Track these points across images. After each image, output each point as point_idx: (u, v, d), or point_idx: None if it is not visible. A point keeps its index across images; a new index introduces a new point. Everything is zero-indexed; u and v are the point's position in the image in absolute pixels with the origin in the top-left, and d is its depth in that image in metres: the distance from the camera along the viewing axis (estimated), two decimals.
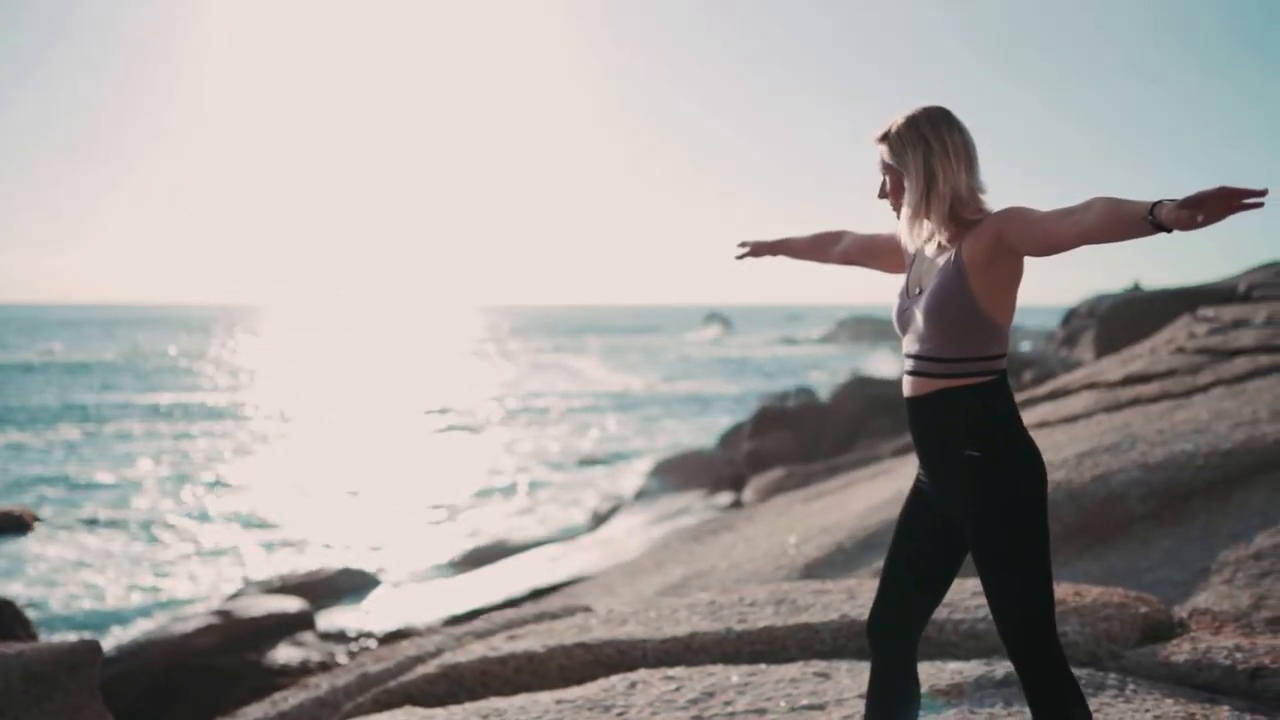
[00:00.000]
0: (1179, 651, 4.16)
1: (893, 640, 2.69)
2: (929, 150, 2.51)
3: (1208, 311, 12.24)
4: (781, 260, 3.28)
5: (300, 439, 36.68)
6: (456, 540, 20.48)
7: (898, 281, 2.76)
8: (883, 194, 2.67)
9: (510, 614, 5.14)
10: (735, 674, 3.91)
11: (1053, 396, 10.70)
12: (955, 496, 2.54)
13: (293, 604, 13.66)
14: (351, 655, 12.30)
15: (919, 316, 2.55)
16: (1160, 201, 2.05)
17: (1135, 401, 9.03)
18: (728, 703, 3.67)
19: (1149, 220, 2.06)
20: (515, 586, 14.86)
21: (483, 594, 14.82)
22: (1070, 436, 8.23)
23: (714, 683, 3.83)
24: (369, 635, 13.15)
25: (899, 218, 2.64)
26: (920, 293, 2.58)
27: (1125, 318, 15.29)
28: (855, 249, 3.00)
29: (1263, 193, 1.94)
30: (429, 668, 4.27)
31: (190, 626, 12.37)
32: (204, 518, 23.36)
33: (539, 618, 4.96)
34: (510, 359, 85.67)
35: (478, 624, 5.00)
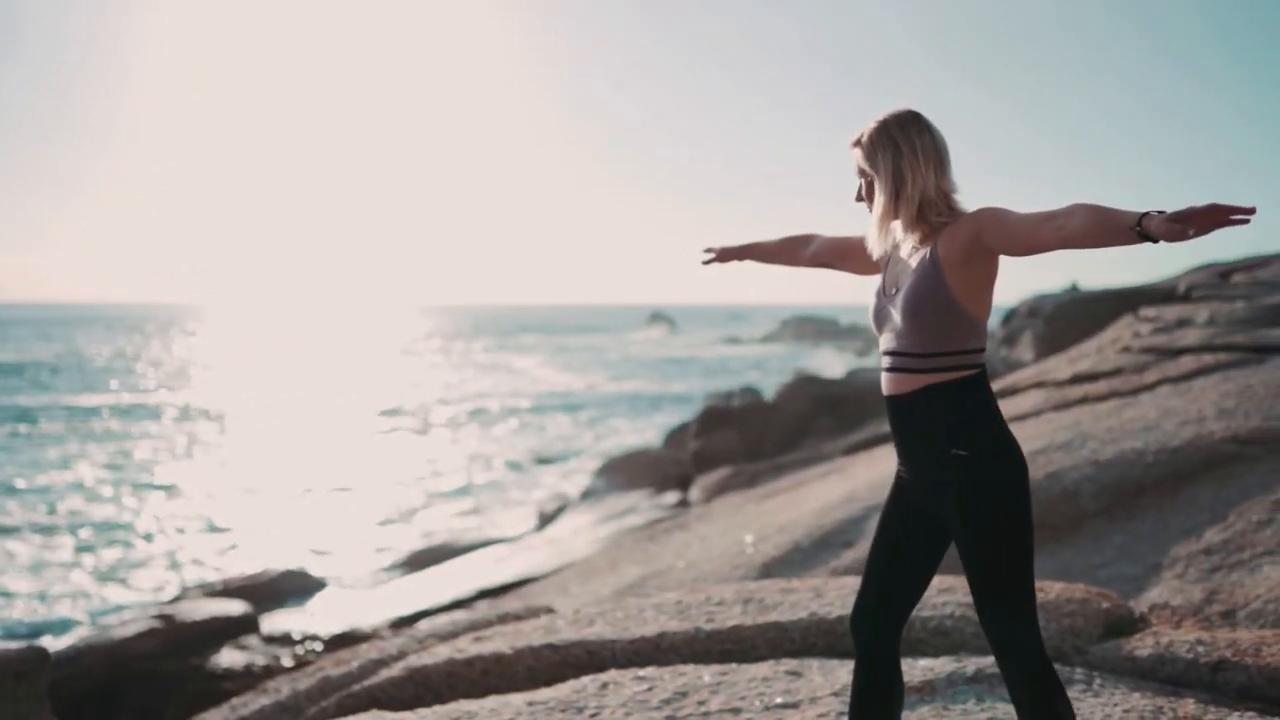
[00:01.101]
0: (1142, 646, 4.21)
1: (876, 636, 2.68)
2: (898, 153, 2.54)
3: (1149, 311, 12.47)
4: (748, 264, 3.28)
5: (241, 440, 36.11)
6: (402, 541, 20.28)
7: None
8: (859, 198, 2.70)
9: (473, 615, 5.07)
10: (707, 673, 3.88)
11: (1001, 395, 10.83)
12: (942, 494, 2.54)
13: (236, 607, 13.44)
14: (297, 658, 12.13)
15: (897, 314, 2.57)
16: (1148, 213, 2.08)
17: (1084, 400, 9.16)
18: (701, 702, 3.64)
19: (1136, 230, 2.09)
20: (462, 587, 14.75)
21: (429, 595, 14.70)
22: (1022, 435, 8.30)
23: (686, 682, 3.80)
24: (315, 638, 12.94)
25: (871, 218, 2.66)
26: (897, 292, 2.60)
27: (1069, 317, 15.56)
28: (826, 251, 3.03)
29: (1251, 210, 1.98)
30: (394, 670, 4.19)
31: (130, 631, 12.10)
32: (142, 520, 22.88)
33: (503, 619, 4.90)
34: (454, 359, 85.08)
35: (440, 625, 4.92)
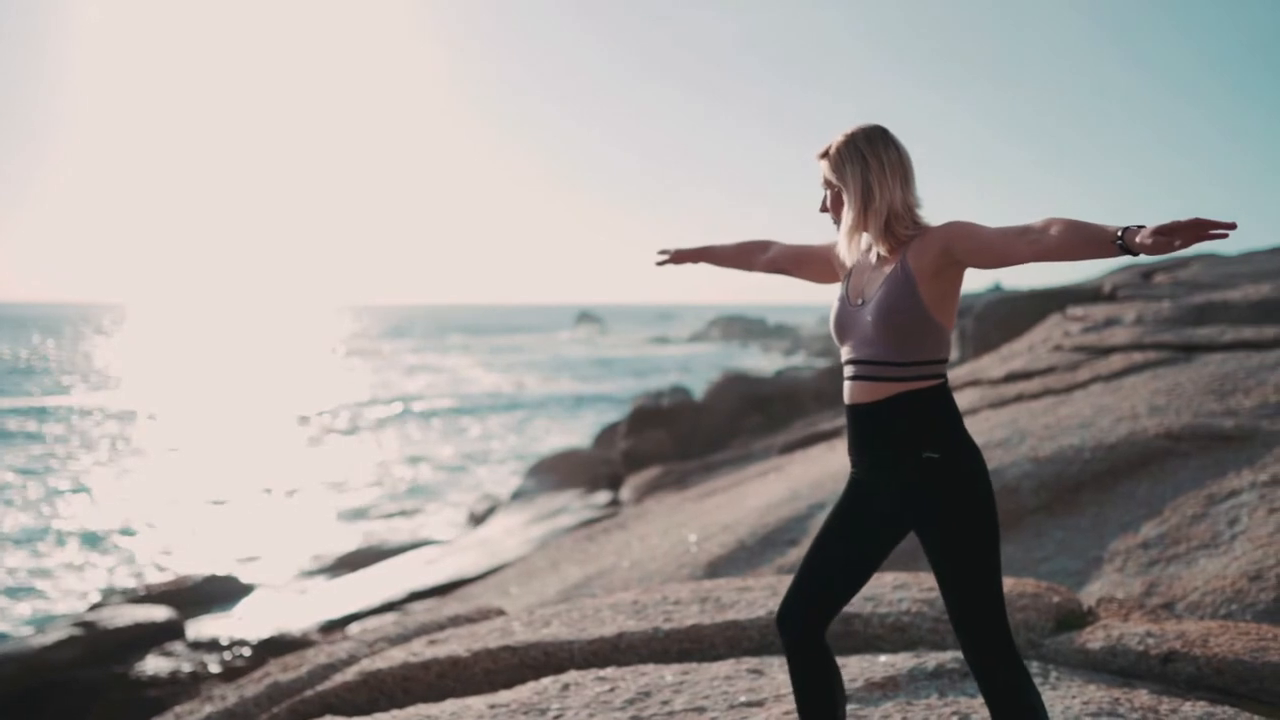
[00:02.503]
0: (1094, 639, 4.26)
1: (806, 631, 2.67)
2: (866, 167, 2.60)
3: (1077, 311, 12.72)
4: (702, 266, 3.31)
5: (162, 443, 35.22)
6: (330, 544, 19.95)
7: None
8: (824, 208, 2.75)
9: (423, 619, 4.97)
10: (669, 673, 3.84)
11: None
12: (910, 499, 2.57)
13: (159, 613, 13.15)
14: (225, 664, 11.90)
15: (868, 324, 2.60)
16: (1129, 227, 2.13)
17: (1019, 398, 9.31)
18: (665, 702, 3.61)
19: (1117, 243, 2.15)
20: (393, 590, 14.60)
21: (359, 598, 14.53)
22: None
23: (648, 682, 3.76)
24: (242, 643, 12.67)
25: (839, 231, 2.71)
26: (863, 302, 2.64)
27: (997, 316, 15.86)
28: (784, 259, 3.08)
29: (1232, 225, 2.03)
30: (347, 675, 4.08)
31: (49, 639, 11.75)
32: (59, 526, 22.18)
33: (455, 621, 4.81)
34: (382, 359, 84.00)
35: (389, 629, 4.81)
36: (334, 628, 13.60)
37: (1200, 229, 2.04)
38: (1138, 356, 9.37)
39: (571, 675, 3.83)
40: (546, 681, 3.78)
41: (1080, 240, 2.23)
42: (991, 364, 11.50)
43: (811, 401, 25.82)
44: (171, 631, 12.65)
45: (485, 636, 4.23)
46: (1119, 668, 4.13)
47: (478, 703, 3.64)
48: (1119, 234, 2.14)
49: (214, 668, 11.82)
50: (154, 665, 11.87)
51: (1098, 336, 10.47)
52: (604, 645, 4.10)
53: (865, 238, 2.66)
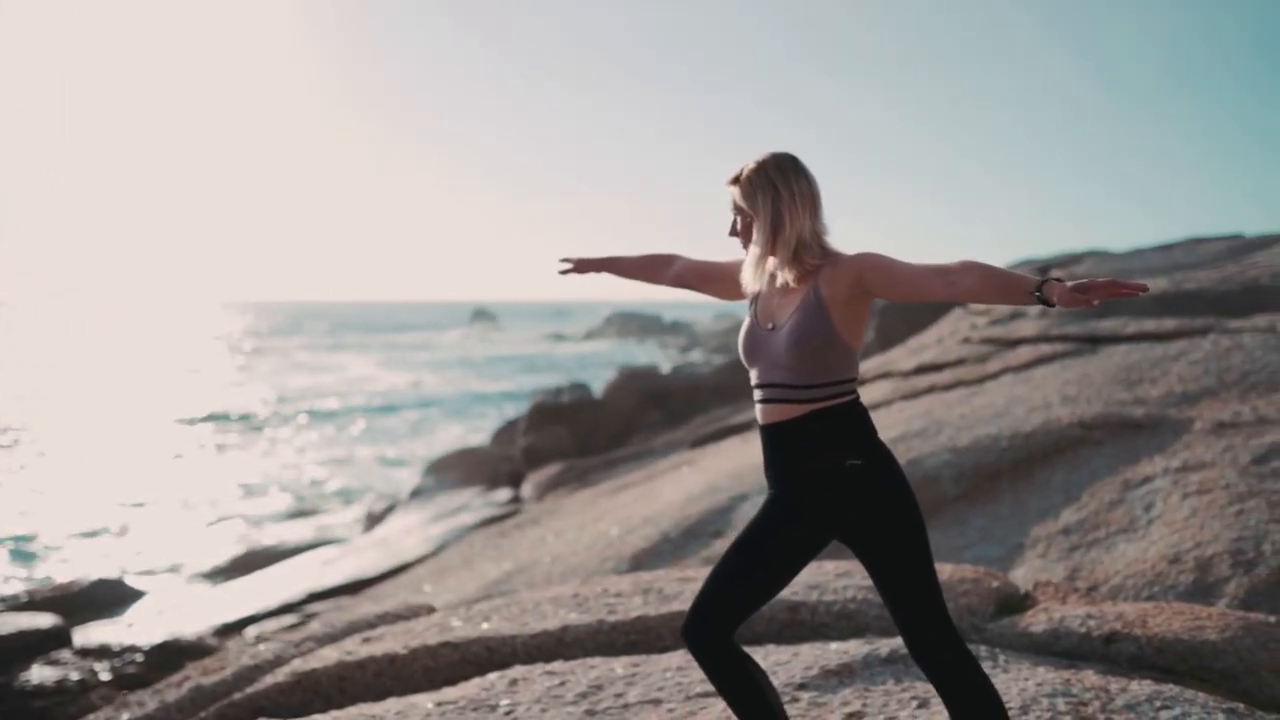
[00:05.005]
0: (1036, 622, 4.29)
1: (711, 639, 2.68)
2: (777, 196, 2.65)
3: (978, 305, 12.97)
4: (603, 273, 3.31)
5: (45, 444, 33.68)
6: (223, 546, 19.30)
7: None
8: (733, 232, 2.79)
9: (350, 617, 4.77)
10: (618, 665, 3.73)
11: None
12: (837, 509, 2.60)
13: (44, 620, 12.52)
14: (115, 672, 11.40)
15: (781, 349, 2.64)
16: (1047, 280, 2.30)
17: (931, 389, 9.43)
18: (619, 695, 3.50)
19: (1035, 295, 2.30)
20: (290, 591, 14.22)
21: (255, 601, 14.12)
22: (878, 424, 8.49)
23: (599, 675, 3.65)
24: (134, 649, 12.14)
25: (747, 256, 2.76)
26: (774, 327, 2.68)
27: (899, 311, 16.11)
28: (690, 274, 3.12)
29: (1144, 288, 2.19)
30: (278, 676, 3.87)
31: None
32: None
33: (384, 619, 4.61)
34: (272, 358, 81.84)
35: (314, 627, 4.59)
36: (230, 631, 13.19)
37: (1114, 288, 2.21)
38: (1045, 348, 9.57)
39: (518, 670, 3.70)
40: (493, 677, 3.64)
41: (997, 287, 2.37)
42: (901, 356, 11.64)
43: (711, 397, 25.95)
44: (58, 639, 12.06)
45: (423, 633, 4.06)
46: (1062, 649, 4.17)
47: (423, 701, 3.48)
48: (1038, 287, 2.29)
49: (104, 675, 11.33)
50: (39, 674, 11.31)
51: (1004, 329, 10.68)
52: (548, 639, 3.97)
53: (772, 263, 2.70)
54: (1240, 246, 14.90)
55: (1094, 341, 9.71)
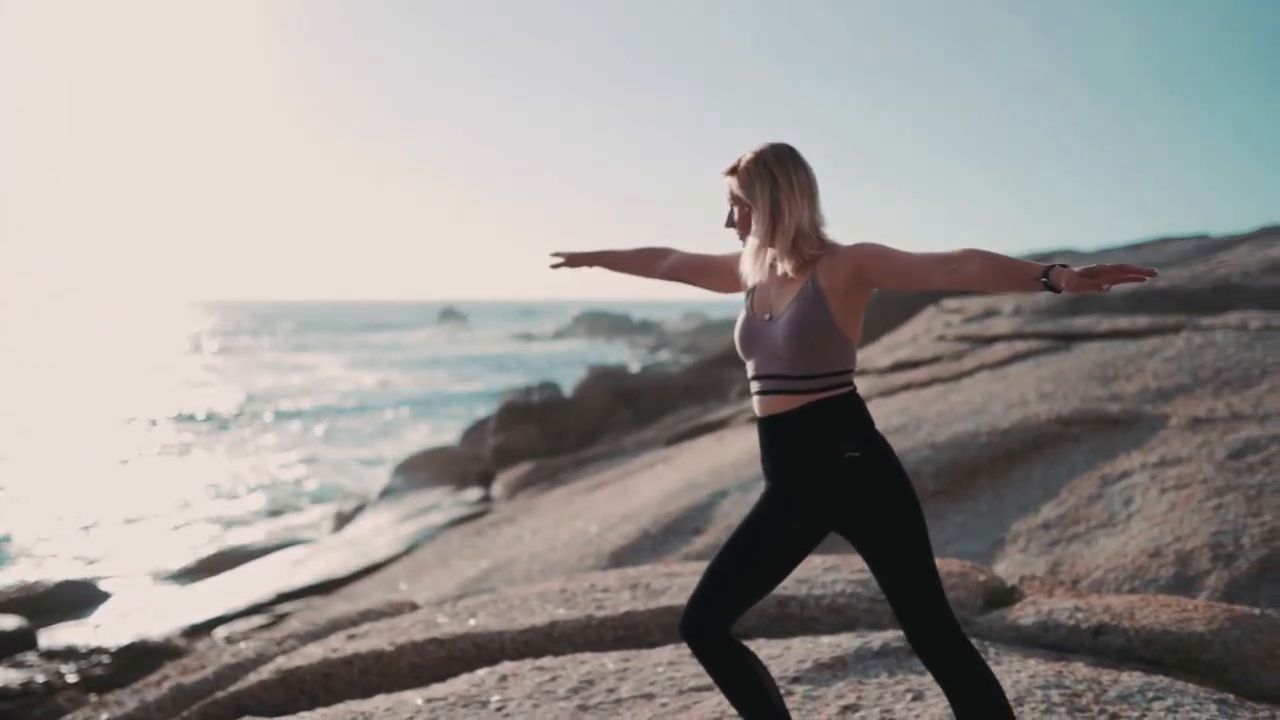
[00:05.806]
0: (1024, 615, 4.29)
1: (710, 634, 2.67)
2: (775, 186, 2.64)
3: (952, 303, 13.05)
4: (597, 268, 3.31)
5: (9, 445, 33.16)
6: (191, 547, 19.09)
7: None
8: (730, 223, 2.78)
9: (333, 614, 4.70)
10: (609, 661, 3.70)
11: None
12: (836, 500, 2.60)
13: (9, 621, 12.39)
14: (82, 674, 11.25)
15: (779, 339, 2.63)
16: (1054, 266, 2.28)
17: (908, 386, 9.45)
18: (610, 690, 3.46)
19: (1042, 281, 2.29)
20: (260, 591, 14.10)
21: (224, 601, 14.00)
22: None
23: (590, 671, 3.61)
24: (102, 651, 11.97)
25: (745, 247, 2.75)
26: (771, 318, 2.67)
27: (876, 307, 16.14)
28: (684, 267, 3.10)
29: (1152, 273, 2.20)
30: (262, 674, 3.80)
31: None
32: None
33: (367, 616, 4.55)
34: (240, 358, 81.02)
35: (295, 625, 4.52)
36: (199, 632, 13.07)
37: (1122, 273, 2.21)
38: (1020, 345, 9.62)
39: (507, 666, 3.65)
40: (482, 673, 3.59)
41: (1003, 274, 2.36)
42: (877, 353, 11.68)
43: (681, 396, 25.96)
44: (23, 641, 11.90)
45: (408, 630, 4.00)
46: (1051, 642, 4.17)
47: (413, 697, 3.43)
48: (1045, 273, 2.28)
49: (71, 678, 11.17)
50: (4, 677, 11.14)
51: (979, 327, 10.73)
52: (536, 635, 3.93)
53: (770, 253, 2.69)
54: (1207, 246, 15.07)
55: (1068, 339, 9.77)
